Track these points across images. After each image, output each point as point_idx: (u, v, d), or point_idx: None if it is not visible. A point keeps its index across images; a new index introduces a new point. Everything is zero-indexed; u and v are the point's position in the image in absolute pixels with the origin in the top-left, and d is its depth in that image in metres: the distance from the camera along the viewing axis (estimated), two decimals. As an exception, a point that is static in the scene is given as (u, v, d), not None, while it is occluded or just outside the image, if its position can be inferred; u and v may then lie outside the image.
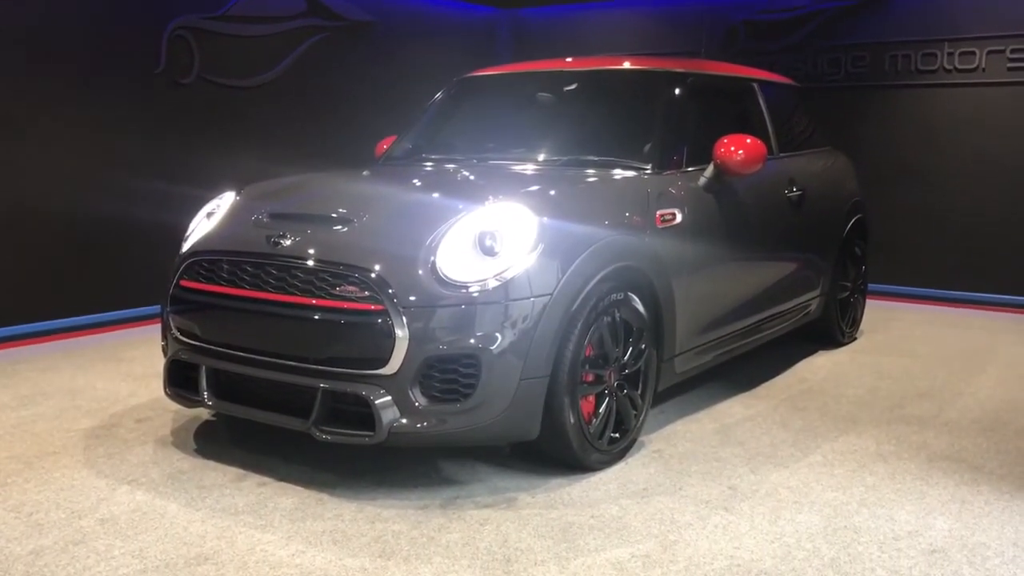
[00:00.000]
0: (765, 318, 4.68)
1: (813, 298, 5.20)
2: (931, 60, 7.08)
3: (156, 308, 6.01)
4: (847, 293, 5.62)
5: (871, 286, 6.20)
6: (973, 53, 6.89)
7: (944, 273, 7.15)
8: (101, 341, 5.58)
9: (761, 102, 4.94)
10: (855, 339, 5.80)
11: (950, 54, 6.99)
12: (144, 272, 6.02)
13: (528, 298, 3.13)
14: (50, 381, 4.64)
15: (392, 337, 3.04)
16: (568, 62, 4.69)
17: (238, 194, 3.92)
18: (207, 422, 3.96)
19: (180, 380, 3.58)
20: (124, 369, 4.91)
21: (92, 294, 5.96)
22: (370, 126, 7.14)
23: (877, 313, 6.41)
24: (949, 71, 7.02)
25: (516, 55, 8.81)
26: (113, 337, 5.70)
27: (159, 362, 4.14)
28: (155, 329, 5.61)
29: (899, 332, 6.05)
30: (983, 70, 6.89)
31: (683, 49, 7.93)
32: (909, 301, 7.12)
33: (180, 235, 3.89)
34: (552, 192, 3.57)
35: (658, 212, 3.75)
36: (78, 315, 5.88)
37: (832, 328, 5.52)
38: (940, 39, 7.01)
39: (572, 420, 3.27)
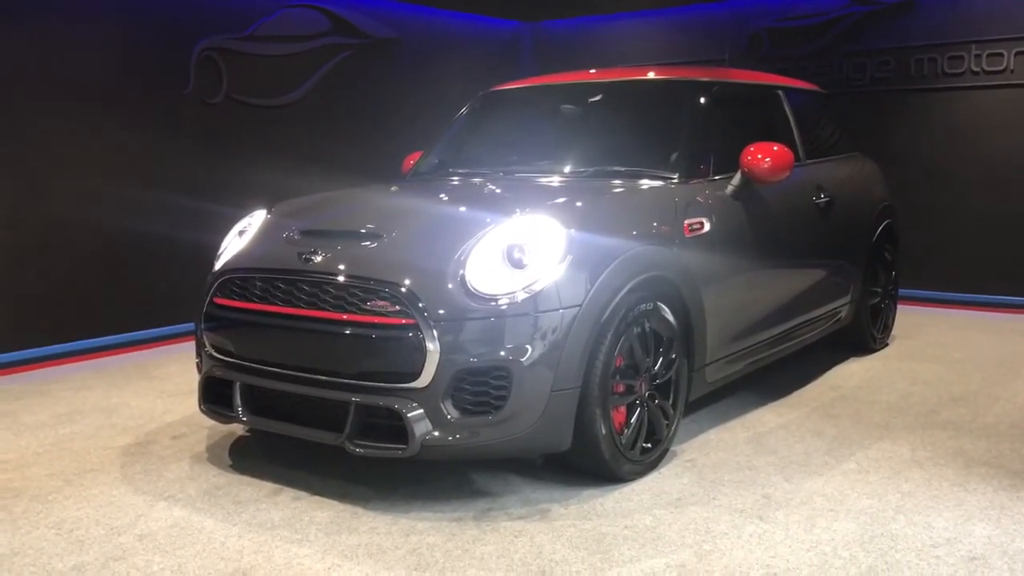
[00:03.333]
0: (796, 325, 4.65)
1: (844, 304, 5.16)
2: (958, 63, 7.03)
3: (188, 326, 6.07)
4: (878, 299, 5.58)
5: (901, 291, 6.15)
6: (1001, 55, 6.84)
7: (975, 277, 7.08)
8: (134, 359, 5.65)
9: (787, 109, 4.93)
10: (887, 345, 5.75)
11: (977, 56, 6.95)
12: (175, 290, 6.12)
13: (557, 310, 3.14)
14: (85, 400, 4.71)
15: (423, 350, 3.06)
16: (592, 73, 4.71)
17: (269, 212, 3.97)
18: (241, 438, 4.00)
19: (215, 397, 3.62)
20: (158, 387, 4.97)
21: (124, 313, 6.05)
22: (396, 141, 7.20)
23: (908, 318, 6.36)
24: (977, 73, 6.97)
25: (540, 67, 8.84)
26: (146, 355, 5.77)
27: (192, 379, 4.21)
28: (187, 346, 5.70)
29: (931, 337, 5.99)
30: (1011, 71, 6.83)
31: (707, 57, 7.93)
32: (940, 306, 7.06)
33: (211, 253, 3.95)
34: (580, 203, 3.58)
35: (686, 221, 3.75)
36: (110, 334, 5.96)
37: (864, 334, 5.48)
38: (967, 41, 6.97)
39: (604, 431, 3.27)
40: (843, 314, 5.20)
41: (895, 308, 5.91)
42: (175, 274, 6.10)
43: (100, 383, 5.06)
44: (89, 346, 5.81)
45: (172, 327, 6.19)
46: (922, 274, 7.10)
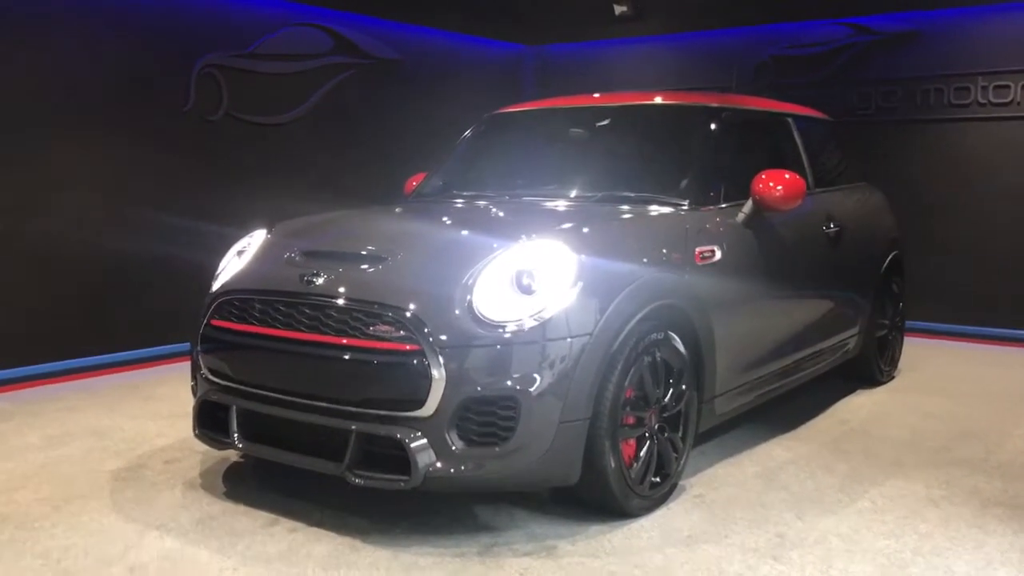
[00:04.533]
0: (805, 356, 4.56)
1: (852, 336, 5.07)
2: (964, 94, 6.99)
3: (182, 346, 5.97)
4: (885, 331, 5.49)
5: (906, 323, 6.06)
6: (1008, 87, 6.80)
7: (979, 309, 6.99)
8: (127, 379, 5.53)
9: (796, 136, 4.87)
10: (893, 378, 5.66)
11: (984, 88, 6.90)
12: (171, 309, 6.00)
13: (567, 338, 3.04)
14: (76, 421, 4.58)
15: (428, 378, 2.96)
16: (600, 97, 4.64)
17: (269, 232, 3.86)
18: (236, 463, 3.88)
19: (210, 421, 3.50)
20: (151, 408, 4.85)
21: (118, 332, 5.93)
22: (397, 162, 7.11)
23: (913, 350, 6.27)
24: (983, 105, 6.92)
25: (542, 91, 8.79)
26: (139, 375, 5.65)
27: (186, 401, 4.08)
28: (181, 367, 5.57)
29: (938, 370, 5.90)
30: (1018, 103, 6.79)
31: (711, 84, 7.86)
32: (945, 338, 6.97)
33: (208, 272, 3.84)
34: (590, 229, 3.48)
35: (697, 249, 3.66)
36: (104, 353, 5.84)
37: (871, 366, 5.39)
38: (974, 73, 6.92)
39: (613, 464, 3.16)
40: (851, 346, 5.11)
41: (902, 340, 5.82)
42: (172, 292, 5.98)
43: (92, 404, 4.93)
44: (81, 365, 5.69)
45: (167, 346, 6.07)
46: (926, 306, 7.01)
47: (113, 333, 5.90)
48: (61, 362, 5.62)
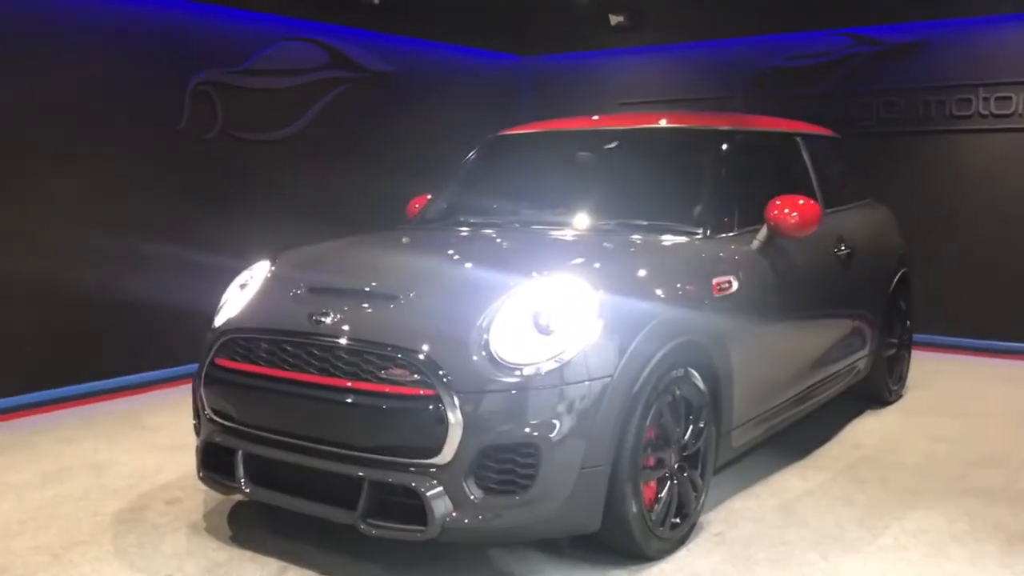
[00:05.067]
0: (818, 382, 4.48)
1: (862, 357, 5.00)
2: (966, 105, 6.93)
3: (178, 370, 5.85)
4: (894, 349, 5.42)
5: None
6: (1009, 98, 6.75)
7: (983, 322, 6.94)
8: (123, 407, 5.40)
9: (806, 157, 4.79)
10: (901, 396, 5.59)
11: (985, 99, 6.85)
12: (166, 333, 5.88)
13: (586, 380, 2.95)
14: (73, 455, 4.46)
15: (445, 424, 2.86)
16: (608, 119, 4.55)
17: (272, 264, 3.74)
18: (241, 503, 3.77)
19: (215, 464, 3.39)
20: (149, 439, 4.72)
21: (112, 357, 5.79)
22: (395, 176, 7.03)
23: (920, 366, 6.19)
24: (985, 116, 6.87)
25: (539, 102, 8.70)
26: (134, 402, 5.52)
27: (185, 431, 3.97)
28: (178, 392, 5.48)
29: (945, 387, 5.84)
30: (1020, 115, 6.74)
31: (710, 96, 7.80)
32: (950, 351, 6.91)
33: (203, 294, 3.70)
34: (607, 263, 3.38)
35: (714, 280, 3.57)
36: (98, 379, 5.70)
37: (879, 386, 5.32)
38: (975, 84, 6.86)
39: (635, 509, 3.07)
40: (861, 367, 5.04)
41: (909, 358, 5.76)
42: (166, 316, 5.85)
43: (88, 434, 4.80)
44: (76, 392, 5.55)
45: (162, 371, 5.94)
46: (928, 319, 6.94)
47: (105, 358, 5.76)
48: (55, 390, 5.48)
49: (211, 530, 3.53)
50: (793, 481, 4.09)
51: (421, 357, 2.93)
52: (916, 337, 6.12)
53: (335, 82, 7.10)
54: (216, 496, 3.82)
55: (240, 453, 3.28)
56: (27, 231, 5.37)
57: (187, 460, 3.97)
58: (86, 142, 5.63)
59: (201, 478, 3.43)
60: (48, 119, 5.45)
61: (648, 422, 3.12)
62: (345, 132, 7.17)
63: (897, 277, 5.39)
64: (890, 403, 5.44)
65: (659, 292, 3.31)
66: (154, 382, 5.88)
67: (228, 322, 3.47)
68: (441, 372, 2.90)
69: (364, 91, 7.31)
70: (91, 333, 5.69)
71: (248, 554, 3.30)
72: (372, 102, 7.37)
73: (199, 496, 3.87)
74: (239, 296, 3.62)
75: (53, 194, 5.49)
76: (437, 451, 2.87)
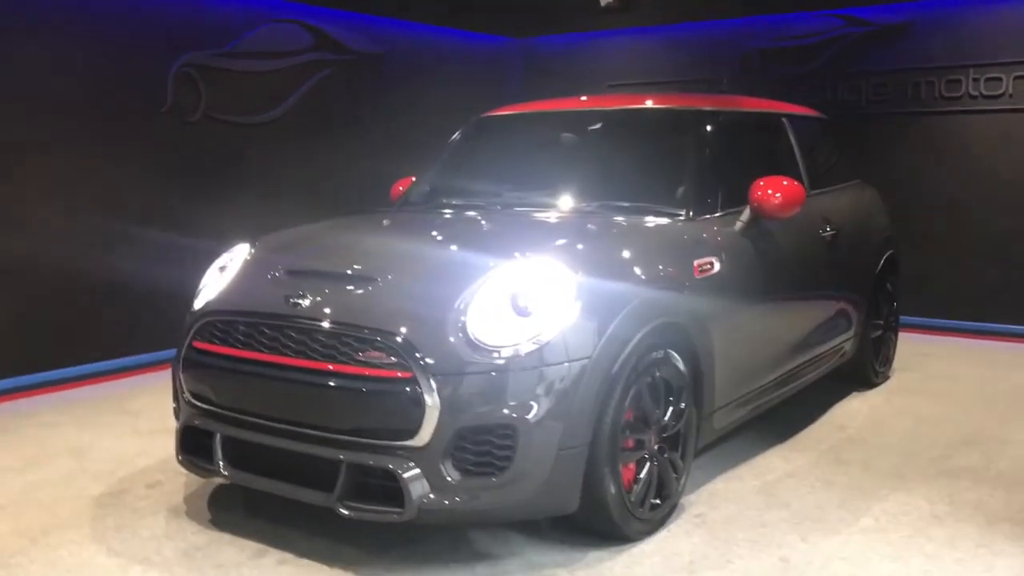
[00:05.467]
0: (803, 363, 4.48)
1: (848, 339, 4.99)
2: (956, 86, 6.90)
3: (160, 354, 5.82)
4: (880, 331, 5.42)
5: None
6: (999, 79, 6.72)
7: (970, 305, 6.94)
8: (105, 391, 5.38)
9: (791, 137, 4.76)
10: (888, 378, 5.59)
11: (975, 80, 6.82)
12: (149, 317, 5.85)
13: (565, 362, 2.93)
14: (55, 439, 4.44)
15: (422, 406, 2.84)
16: (593, 100, 4.51)
17: (252, 247, 3.72)
18: (221, 487, 3.75)
19: (194, 447, 3.37)
20: (131, 424, 4.70)
21: (95, 341, 5.76)
22: (382, 159, 7.00)
23: (906, 347, 6.18)
24: (975, 97, 6.84)
25: (529, 84, 8.65)
26: (117, 386, 5.50)
27: (166, 415, 3.96)
28: (156, 376, 5.47)
29: (932, 370, 5.84)
30: (1010, 96, 6.71)
31: (699, 77, 7.76)
32: (938, 333, 6.91)
33: (187, 277, 3.68)
34: (587, 245, 3.37)
35: (696, 262, 3.55)
36: (80, 364, 5.67)
37: (865, 368, 5.31)
38: (965, 65, 6.83)
39: (613, 490, 3.06)
40: (847, 349, 5.03)
41: (896, 340, 5.75)
42: (149, 300, 5.82)
43: (71, 419, 4.79)
44: (58, 377, 5.52)
45: (144, 355, 5.91)
46: (916, 301, 6.94)
47: (88, 343, 5.73)
48: (36, 374, 5.45)
49: (191, 513, 3.51)
50: (776, 463, 4.09)
51: (398, 339, 2.92)
52: (904, 319, 6.12)
53: (321, 64, 7.04)
54: (197, 480, 3.81)
55: (218, 436, 3.26)
56: (11, 215, 5.34)
57: (169, 444, 3.93)
58: (68, 125, 5.59)
59: (180, 461, 3.42)
60: (30, 102, 5.40)
61: (627, 403, 3.11)
62: (331, 115, 7.12)
63: (884, 259, 5.38)
64: (876, 385, 5.43)
65: (639, 273, 3.29)
66: (137, 366, 5.85)
67: (206, 305, 3.45)
68: (418, 355, 2.88)
69: (351, 74, 7.26)
70: (74, 317, 5.66)
71: (227, 537, 3.29)
72: (359, 85, 7.32)
73: (180, 480, 3.86)
74: (218, 279, 3.60)
75: (35, 178, 5.44)
76: (414, 433, 2.86)
